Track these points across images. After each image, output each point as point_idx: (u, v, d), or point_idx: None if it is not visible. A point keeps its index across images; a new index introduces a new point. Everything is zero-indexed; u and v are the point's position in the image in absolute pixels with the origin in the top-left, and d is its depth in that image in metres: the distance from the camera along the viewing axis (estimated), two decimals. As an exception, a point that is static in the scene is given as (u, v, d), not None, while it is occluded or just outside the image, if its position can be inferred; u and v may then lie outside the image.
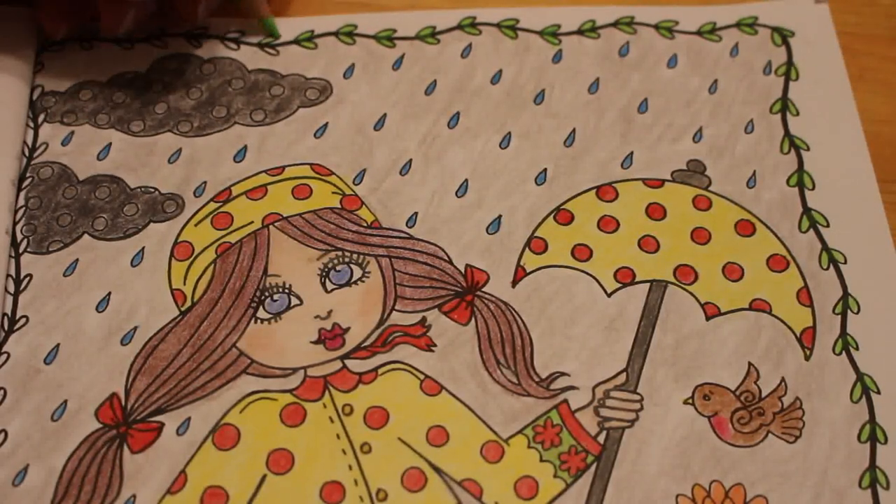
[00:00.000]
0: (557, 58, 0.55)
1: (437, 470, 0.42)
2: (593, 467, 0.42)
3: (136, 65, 0.54)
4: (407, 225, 0.48)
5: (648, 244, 0.48)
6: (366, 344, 0.45)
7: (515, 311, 0.46)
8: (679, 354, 0.45)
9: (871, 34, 0.56)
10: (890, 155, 0.51)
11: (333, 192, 0.49)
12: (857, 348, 0.45)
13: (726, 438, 0.43)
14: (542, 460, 0.42)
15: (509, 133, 0.52)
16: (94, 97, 0.53)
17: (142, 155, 0.51)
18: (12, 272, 0.47)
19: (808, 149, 0.51)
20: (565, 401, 0.44)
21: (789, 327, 0.46)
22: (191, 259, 0.47)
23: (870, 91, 0.54)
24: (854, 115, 0.52)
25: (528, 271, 0.47)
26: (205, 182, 0.50)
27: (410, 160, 0.51)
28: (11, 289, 0.46)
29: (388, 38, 0.55)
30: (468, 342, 0.45)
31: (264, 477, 0.42)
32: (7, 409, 0.43)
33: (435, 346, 0.45)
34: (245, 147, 0.51)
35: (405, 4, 0.57)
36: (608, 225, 0.49)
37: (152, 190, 0.50)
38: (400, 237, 0.48)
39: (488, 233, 0.48)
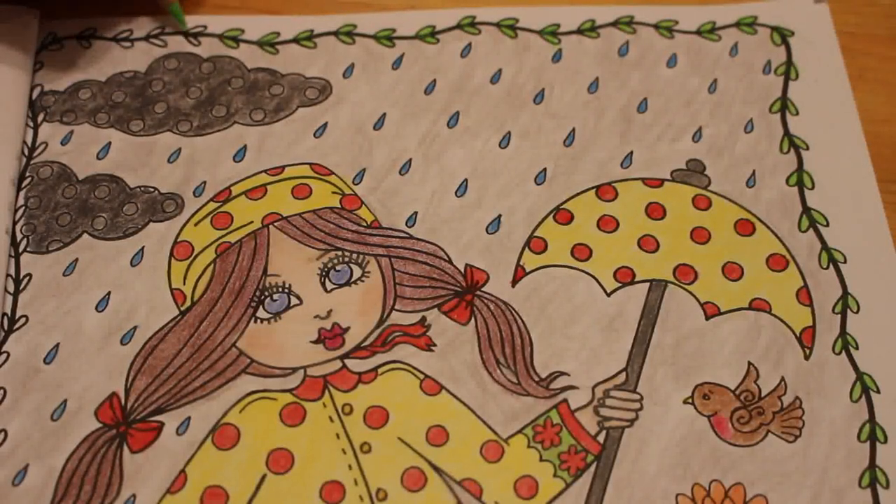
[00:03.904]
0: (557, 57, 0.55)
1: (437, 469, 0.42)
2: (593, 467, 0.42)
3: (136, 64, 0.54)
4: (407, 224, 0.48)
5: (648, 244, 0.48)
6: (365, 344, 0.45)
7: (515, 311, 0.46)
8: (679, 354, 0.45)
9: (871, 34, 0.56)
10: (890, 155, 0.51)
11: (333, 192, 0.49)
12: (856, 348, 0.45)
13: (726, 438, 0.43)
14: (541, 460, 0.42)
15: (509, 133, 0.52)
16: (94, 96, 0.53)
17: (141, 154, 0.51)
18: (12, 272, 0.47)
19: (807, 148, 0.51)
20: (565, 400, 0.44)
21: (789, 327, 0.46)
22: (190, 259, 0.47)
23: (870, 91, 0.54)
24: (854, 115, 0.52)
25: (527, 271, 0.47)
26: (204, 182, 0.50)
27: (410, 160, 0.51)
28: (11, 288, 0.46)
29: (387, 38, 0.55)
30: (468, 342, 0.45)
31: (264, 476, 0.42)
32: (7, 408, 0.43)
33: (435, 345, 0.45)
34: (245, 147, 0.51)
35: (404, 4, 0.57)
36: (608, 224, 0.49)
37: (152, 189, 0.50)
38: (399, 237, 0.48)
39: (488, 232, 0.48)
